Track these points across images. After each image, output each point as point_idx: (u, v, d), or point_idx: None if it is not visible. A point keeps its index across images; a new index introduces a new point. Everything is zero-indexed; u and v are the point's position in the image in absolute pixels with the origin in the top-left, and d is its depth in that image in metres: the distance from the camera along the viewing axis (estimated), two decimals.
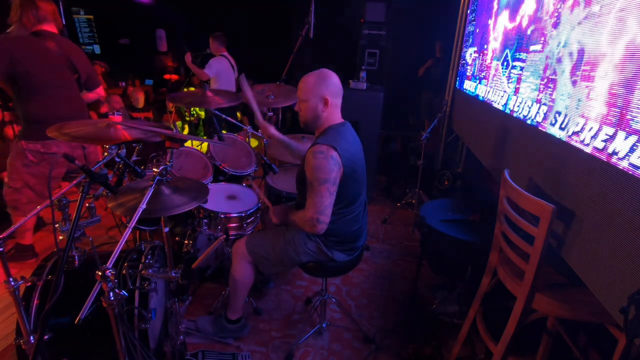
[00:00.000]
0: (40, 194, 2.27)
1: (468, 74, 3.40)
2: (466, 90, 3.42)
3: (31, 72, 2.05)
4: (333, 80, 1.65)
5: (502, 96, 2.34)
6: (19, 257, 2.48)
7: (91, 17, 7.51)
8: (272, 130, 1.95)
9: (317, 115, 1.66)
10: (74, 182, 1.45)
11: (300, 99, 1.68)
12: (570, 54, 1.50)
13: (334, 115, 1.69)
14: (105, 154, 1.48)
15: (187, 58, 4.21)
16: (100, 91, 2.51)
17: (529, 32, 1.98)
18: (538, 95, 1.79)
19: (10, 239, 2.50)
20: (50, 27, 2.16)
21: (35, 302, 1.32)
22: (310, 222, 1.58)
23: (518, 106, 2.05)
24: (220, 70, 4.31)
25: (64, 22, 2.53)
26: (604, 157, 1.23)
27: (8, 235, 1.20)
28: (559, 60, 1.59)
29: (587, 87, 1.35)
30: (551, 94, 1.65)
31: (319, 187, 1.54)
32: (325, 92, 1.62)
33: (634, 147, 1.08)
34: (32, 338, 1.25)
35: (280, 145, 2.00)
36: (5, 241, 1.18)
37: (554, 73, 1.63)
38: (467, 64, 3.50)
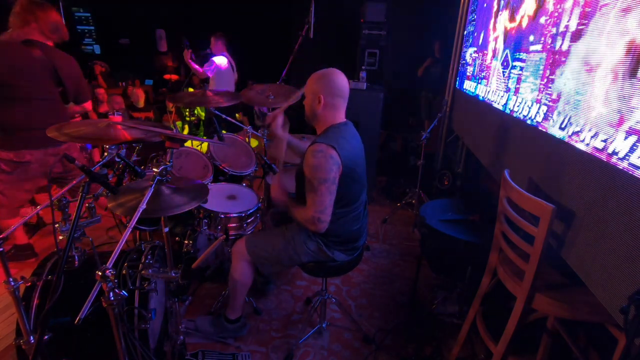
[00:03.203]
0: (11, 197, 2.23)
1: (468, 74, 3.40)
2: (466, 90, 3.42)
3: (9, 81, 2.01)
4: (335, 80, 1.63)
5: (502, 96, 2.34)
6: (19, 257, 2.48)
7: (91, 16, 7.52)
8: (279, 130, 1.92)
9: (314, 112, 1.67)
10: (74, 182, 1.45)
11: (305, 93, 1.72)
12: (570, 54, 1.50)
13: (335, 115, 1.67)
14: (105, 154, 1.48)
15: (186, 55, 4.20)
16: (87, 106, 2.44)
17: (529, 32, 1.98)
18: (538, 95, 1.79)
19: (7, 239, 2.51)
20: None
21: (35, 302, 1.32)
22: (311, 221, 1.58)
23: (518, 106, 2.05)
24: (220, 70, 4.30)
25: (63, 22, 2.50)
26: (604, 157, 1.23)
27: (7, 235, 1.20)
28: (559, 60, 1.59)
29: (587, 87, 1.35)
30: (551, 94, 1.65)
31: (318, 186, 1.54)
32: (321, 90, 1.62)
33: (634, 147, 1.08)
34: (32, 338, 1.25)
35: (284, 145, 1.99)
36: (5, 241, 1.18)
37: (554, 73, 1.63)
38: (467, 64, 3.50)
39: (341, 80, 1.64)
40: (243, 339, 2.02)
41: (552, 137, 1.61)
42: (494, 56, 2.62)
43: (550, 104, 1.65)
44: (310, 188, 1.57)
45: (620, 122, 1.15)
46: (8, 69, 2.00)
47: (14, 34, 2.07)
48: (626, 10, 1.15)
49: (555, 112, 1.59)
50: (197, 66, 4.23)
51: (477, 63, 3.11)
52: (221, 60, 4.30)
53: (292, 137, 1.97)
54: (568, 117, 1.48)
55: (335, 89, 1.63)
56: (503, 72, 2.36)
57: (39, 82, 2.14)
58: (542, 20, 1.80)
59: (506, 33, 2.38)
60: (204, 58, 4.37)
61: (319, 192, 1.55)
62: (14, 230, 1.26)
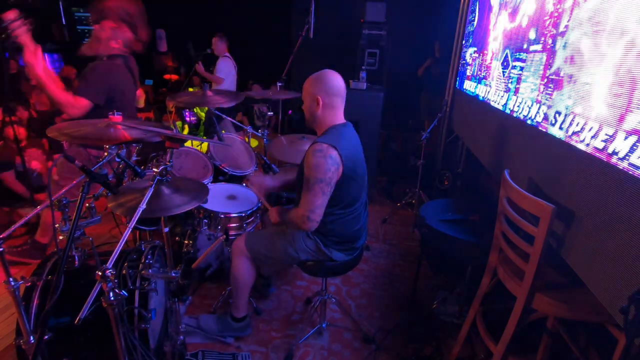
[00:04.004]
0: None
1: (468, 74, 3.40)
2: (466, 90, 3.42)
3: (119, 93, 2.08)
4: (329, 81, 1.64)
5: (502, 96, 2.34)
6: (30, 254, 2.47)
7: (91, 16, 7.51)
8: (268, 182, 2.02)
9: (313, 115, 1.68)
10: (74, 182, 1.45)
11: (302, 98, 1.73)
12: (570, 54, 1.50)
13: (334, 115, 1.68)
14: (106, 154, 1.48)
15: (200, 68, 4.24)
16: (140, 92, 2.52)
17: (529, 32, 1.98)
18: (538, 95, 1.79)
19: (28, 234, 2.49)
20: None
21: (35, 302, 1.32)
22: (301, 220, 1.60)
23: (518, 106, 2.05)
24: (228, 71, 4.36)
25: (63, 22, 2.51)
26: (604, 157, 1.23)
27: (8, 235, 1.20)
28: (559, 60, 1.59)
29: (587, 86, 1.35)
30: (551, 94, 1.65)
31: (313, 185, 1.55)
32: (318, 92, 1.63)
33: (634, 147, 1.08)
34: (32, 338, 1.25)
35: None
36: (5, 241, 1.18)
37: (554, 73, 1.63)
38: (467, 64, 3.50)
39: (336, 79, 1.65)
40: (243, 339, 2.02)
41: (552, 137, 1.61)
42: (494, 56, 2.62)
43: (550, 103, 1.65)
44: (305, 186, 1.59)
45: (621, 122, 1.15)
46: (116, 83, 2.07)
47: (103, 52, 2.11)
48: (625, 10, 1.15)
49: (555, 112, 1.59)
50: (212, 75, 4.32)
51: (477, 63, 3.11)
52: (229, 62, 4.36)
53: (290, 140, 2.00)
54: (568, 117, 1.48)
55: (331, 89, 1.64)
56: (503, 72, 2.36)
57: (130, 87, 2.21)
58: (542, 20, 1.80)
59: (506, 33, 2.38)
60: (204, 58, 4.38)
61: (313, 191, 1.56)
62: (13, 230, 1.26)
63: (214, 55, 4.39)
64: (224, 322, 2.00)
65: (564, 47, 1.55)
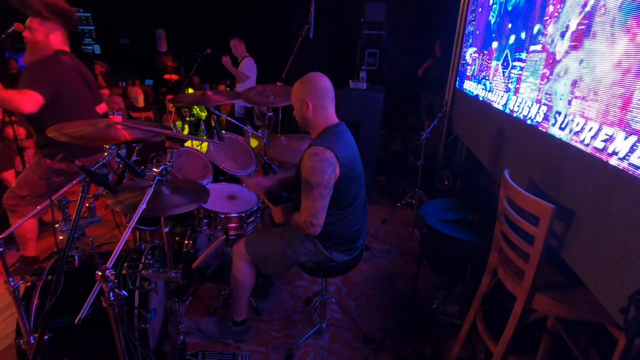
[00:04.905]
0: (42, 199, 2.21)
1: (468, 74, 3.40)
2: (466, 90, 3.42)
3: (65, 92, 2.02)
4: (317, 82, 1.64)
5: (502, 96, 2.34)
6: (25, 271, 2.37)
7: (91, 16, 7.53)
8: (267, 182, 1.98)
9: (305, 118, 1.67)
10: (74, 182, 1.45)
11: (292, 104, 1.73)
12: (570, 54, 1.50)
13: (326, 116, 1.67)
14: (106, 154, 1.49)
15: (227, 61, 4.27)
16: (104, 107, 2.46)
17: (529, 31, 1.98)
18: (538, 95, 1.79)
19: (17, 250, 2.46)
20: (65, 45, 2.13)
21: (35, 302, 1.33)
22: (304, 225, 1.59)
23: (518, 106, 2.05)
24: (253, 70, 4.44)
25: None
26: (604, 157, 1.23)
27: (8, 235, 1.20)
28: (559, 60, 1.59)
29: (587, 86, 1.35)
30: (551, 94, 1.65)
31: (312, 190, 1.54)
32: (306, 95, 1.63)
33: (634, 147, 1.08)
34: (32, 338, 1.25)
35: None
36: (5, 241, 1.18)
37: (554, 73, 1.63)
38: (467, 64, 3.50)
39: (323, 80, 1.66)
40: (243, 339, 2.02)
41: (552, 137, 1.61)
42: (494, 56, 2.62)
43: (550, 103, 1.65)
44: (304, 191, 1.58)
45: (620, 122, 1.15)
46: (63, 81, 2.01)
47: (42, 49, 2.03)
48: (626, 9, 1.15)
49: (555, 112, 1.59)
50: (239, 72, 4.34)
51: (477, 63, 3.11)
52: (253, 62, 4.46)
53: (290, 139, 1.99)
54: (568, 117, 1.48)
55: (319, 90, 1.64)
56: (503, 72, 2.36)
57: (80, 87, 2.15)
58: (542, 20, 1.80)
59: (506, 33, 2.38)
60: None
61: (312, 195, 1.55)
62: (13, 230, 1.26)
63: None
64: (224, 326, 1.99)
65: (564, 46, 1.55)
